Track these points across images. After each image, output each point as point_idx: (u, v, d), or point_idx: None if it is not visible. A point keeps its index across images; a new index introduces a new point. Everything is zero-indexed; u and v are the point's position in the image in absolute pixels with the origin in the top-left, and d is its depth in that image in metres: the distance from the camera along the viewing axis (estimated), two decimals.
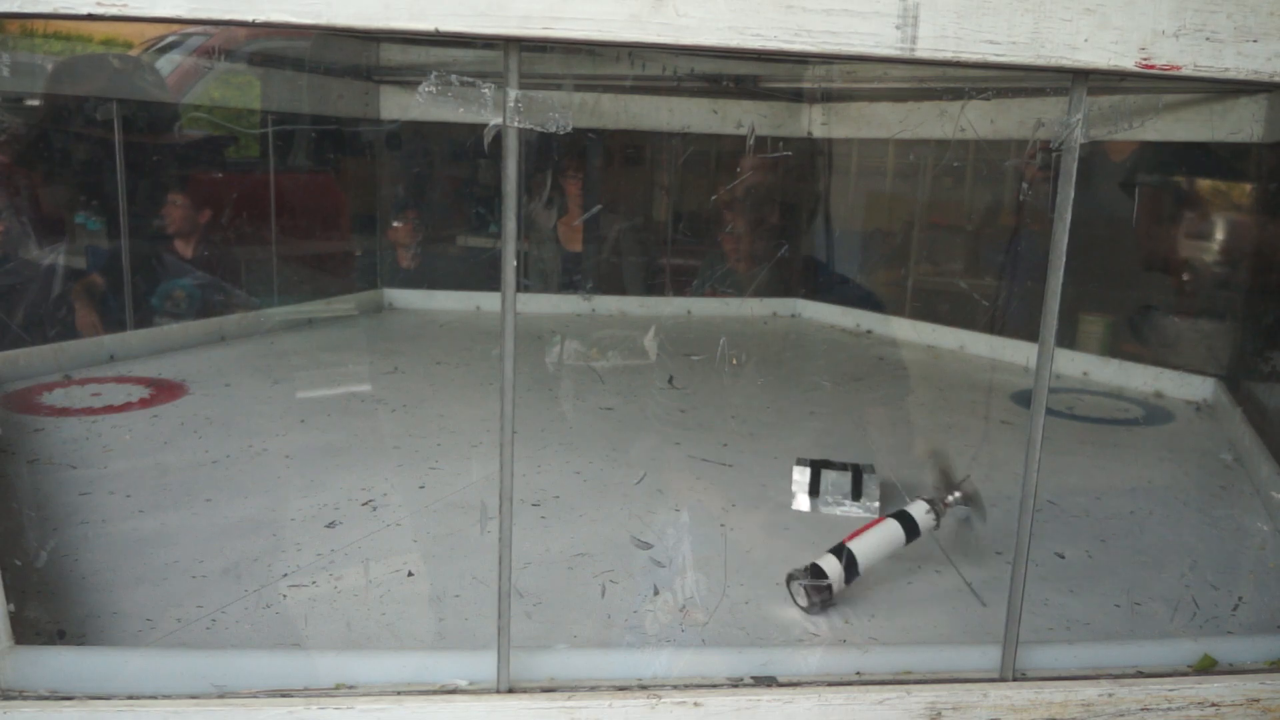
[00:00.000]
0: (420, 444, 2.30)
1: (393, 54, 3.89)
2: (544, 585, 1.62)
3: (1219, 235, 3.22)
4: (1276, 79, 1.16)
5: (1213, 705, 1.31)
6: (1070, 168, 1.21)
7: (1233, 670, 1.37)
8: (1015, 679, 1.31)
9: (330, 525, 1.81)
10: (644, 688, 1.25)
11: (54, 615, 1.45)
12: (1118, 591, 1.69)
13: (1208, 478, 2.35)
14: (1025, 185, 3.61)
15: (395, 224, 4.13)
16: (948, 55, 1.12)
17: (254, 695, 1.20)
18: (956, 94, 3.57)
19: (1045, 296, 1.25)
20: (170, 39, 3.44)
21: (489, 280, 3.82)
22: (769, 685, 1.28)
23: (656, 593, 1.60)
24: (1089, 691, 1.29)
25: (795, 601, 1.58)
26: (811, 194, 4.32)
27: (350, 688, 1.23)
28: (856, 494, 1.99)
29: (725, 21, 1.08)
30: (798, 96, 4.11)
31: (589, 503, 1.99)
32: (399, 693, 1.22)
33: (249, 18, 1.04)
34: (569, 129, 1.16)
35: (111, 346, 2.93)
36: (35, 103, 3.18)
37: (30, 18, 1.02)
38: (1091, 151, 3.19)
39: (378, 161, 4.13)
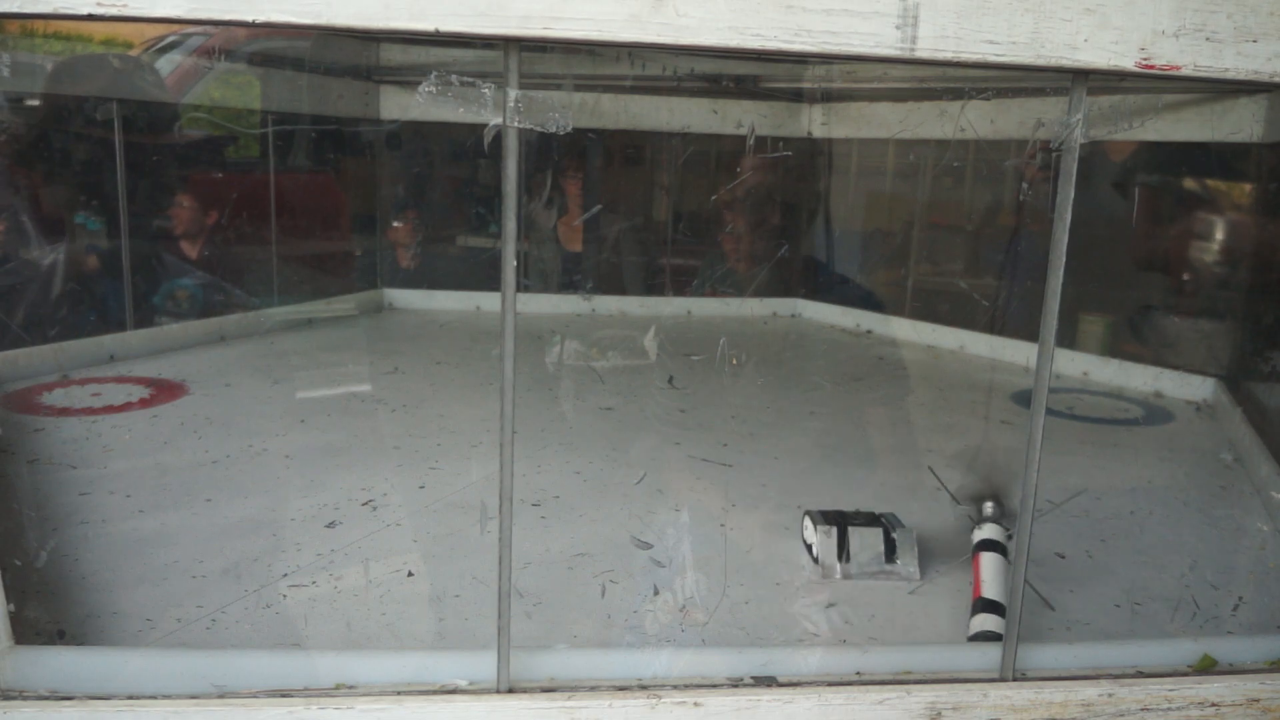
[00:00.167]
0: (420, 444, 2.30)
1: (393, 54, 3.89)
2: (544, 585, 1.62)
3: (1219, 235, 3.22)
4: (1276, 79, 1.16)
5: (1213, 705, 1.31)
6: (1070, 168, 1.21)
7: (1233, 670, 1.37)
8: (1015, 679, 1.31)
9: (330, 525, 1.82)
10: (644, 688, 1.25)
11: (54, 615, 1.45)
12: (1118, 591, 1.69)
13: (1208, 478, 2.35)
14: (1025, 185, 3.61)
15: (395, 224, 4.13)
16: (948, 55, 1.12)
17: (254, 695, 1.20)
18: (956, 94, 3.57)
19: (1045, 296, 1.25)
20: (170, 39, 3.44)
21: (489, 280, 3.82)
22: (769, 685, 1.28)
23: (656, 593, 1.60)
24: (1089, 691, 1.29)
25: None
26: (811, 194, 4.32)
27: (350, 688, 1.23)
28: (891, 553, 1.72)
29: (725, 21, 1.08)
30: (798, 96, 4.11)
31: (589, 503, 1.99)
32: (399, 693, 1.22)
33: (249, 18, 1.04)
34: (569, 129, 1.16)
35: (111, 346, 2.93)
36: (35, 103, 3.18)
37: (30, 18, 1.02)
38: (1091, 151, 3.19)
39: (378, 161, 4.13)
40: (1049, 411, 1.29)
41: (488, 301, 3.90)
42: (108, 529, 1.76)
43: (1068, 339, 3.29)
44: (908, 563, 1.72)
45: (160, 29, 3.26)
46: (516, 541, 1.26)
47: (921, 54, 1.11)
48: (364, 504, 1.92)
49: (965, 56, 1.12)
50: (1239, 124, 2.95)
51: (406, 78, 3.89)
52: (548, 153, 4.07)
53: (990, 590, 1.56)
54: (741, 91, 4.05)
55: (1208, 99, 2.98)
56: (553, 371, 3.01)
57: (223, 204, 3.50)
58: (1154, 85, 2.68)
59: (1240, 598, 1.68)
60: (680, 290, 4.21)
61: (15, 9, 1.02)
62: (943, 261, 3.98)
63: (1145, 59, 1.14)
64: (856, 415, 2.81)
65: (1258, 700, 1.31)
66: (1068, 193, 1.21)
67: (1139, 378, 3.11)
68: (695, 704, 1.23)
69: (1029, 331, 3.28)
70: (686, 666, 1.31)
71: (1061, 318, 1.26)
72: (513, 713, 1.21)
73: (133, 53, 3.36)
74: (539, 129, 1.14)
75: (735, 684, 1.28)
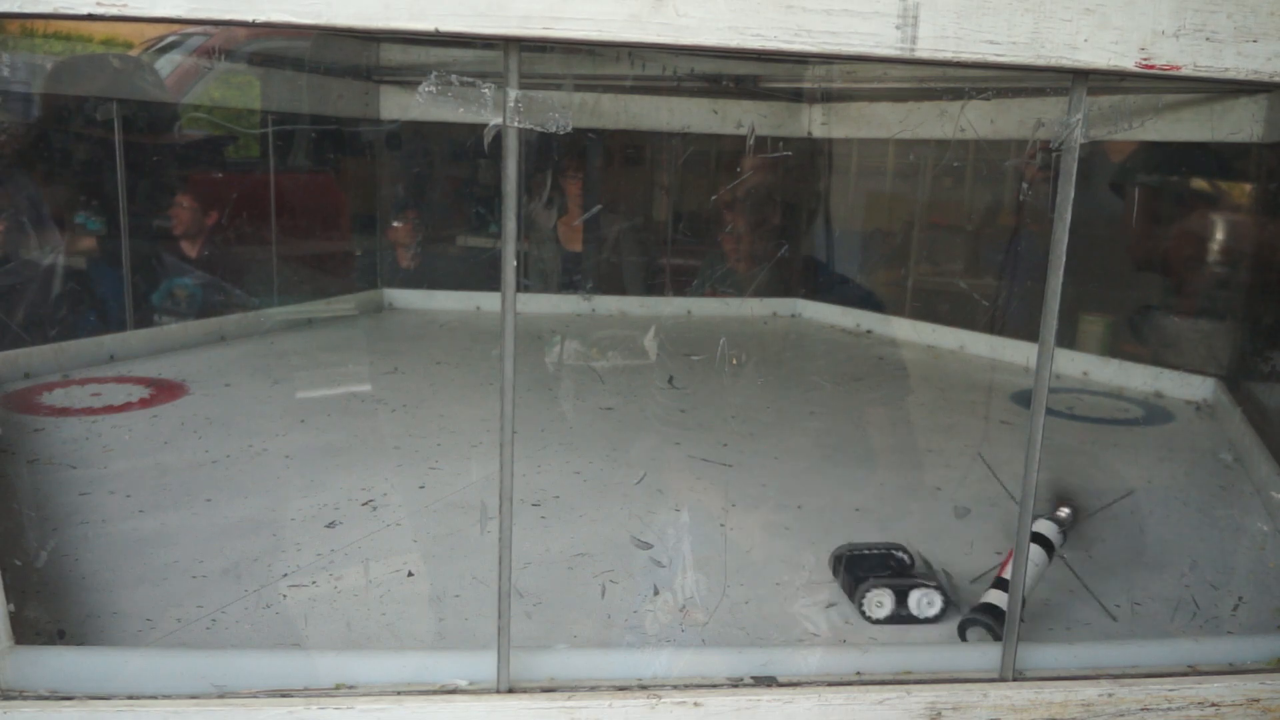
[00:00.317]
0: (420, 444, 2.30)
1: (393, 54, 3.88)
2: (544, 585, 1.62)
3: (1219, 235, 3.22)
4: (1276, 79, 1.16)
5: (1213, 705, 1.31)
6: (1070, 168, 1.21)
7: (1233, 670, 1.37)
8: (1015, 679, 1.31)
9: (330, 525, 1.82)
10: (644, 688, 1.25)
11: (54, 615, 1.45)
12: (1118, 591, 1.69)
13: (1208, 478, 2.35)
14: (1025, 185, 3.61)
15: (395, 224, 4.13)
16: (948, 55, 1.12)
17: (254, 695, 1.20)
18: (956, 94, 3.57)
19: (1045, 296, 1.25)
20: (170, 39, 3.44)
21: (489, 280, 3.82)
22: (769, 685, 1.28)
23: (656, 593, 1.60)
24: (1089, 691, 1.29)
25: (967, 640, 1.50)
26: (811, 194, 4.32)
27: (350, 688, 1.23)
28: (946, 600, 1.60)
29: (725, 21, 1.08)
30: (798, 96, 4.11)
31: (589, 503, 1.99)
32: (399, 693, 1.22)
33: (249, 18, 1.04)
34: (569, 129, 1.16)
35: (111, 346, 2.93)
36: (27, 92, 3.18)
37: (30, 18, 1.02)
38: (1091, 151, 3.19)
39: (378, 161, 4.13)
40: (1049, 411, 1.29)
41: (488, 301, 3.90)
42: (108, 529, 1.76)
43: (1068, 339, 3.29)
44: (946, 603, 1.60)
45: (160, 29, 3.26)
46: (516, 541, 1.26)
47: (921, 54, 1.11)
48: (364, 504, 1.92)
49: (965, 56, 1.12)
50: (1239, 124, 2.95)
51: (406, 78, 3.88)
52: (548, 153, 4.07)
53: (1010, 573, 1.53)
54: (741, 91, 4.05)
55: (1208, 99, 2.98)
56: (553, 371, 3.01)
57: (223, 204, 3.50)
58: (1154, 85, 2.68)
59: (1240, 598, 1.68)
60: (680, 290, 4.20)
61: (15, 9, 1.02)
62: (943, 261, 3.98)
63: (1145, 59, 1.14)
64: (856, 415, 2.81)
65: (1258, 700, 1.31)
66: (1068, 193, 1.21)
67: (1139, 378, 3.11)
68: (695, 704, 1.23)
69: (1029, 331, 3.28)
70: (686, 666, 1.31)
71: (1061, 318, 1.26)
72: (513, 713, 1.21)
73: (133, 53, 3.36)
74: (539, 129, 1.14)
75: (735, 684, 1.28)
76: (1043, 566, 1.65)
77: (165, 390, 2.64)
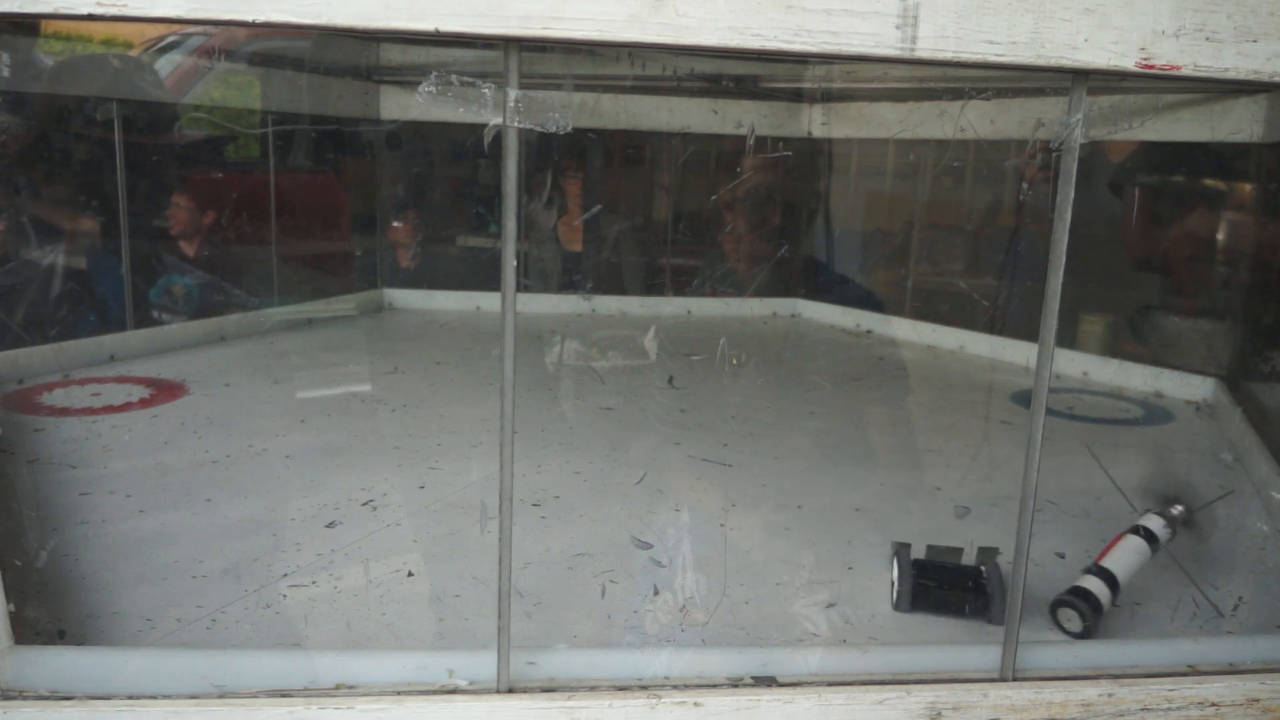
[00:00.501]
0: (420, 444, 2.30)
1: (393, 54, 3.88)
2: (544, 585, 1.62)
3: (1219, 235, 3.22)
4: (1276, 79, 1.16)
5: (1213, 705, 1.30)
6: (1070, 168, 1.21)
7: (1233, 670, 1.36)
8: (1015, 679, 1.31)
9: (330, 525, 1.82)
10: (644, 688, 1.25)
11: (54, 615, 1.45)
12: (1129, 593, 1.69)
13: (1208, 478, 2.34)
14: (1025, 185, 3.61)
15: (395, 224, 4.13)
16: (948, 55, 1.12)
17: (254, 695, 1.20)
18: (956, 94, 3.57)
19: (1045, 296, 1.25)
20: (170, 39, 3.44)
21: (489, 280, 3.82)
22: (769, 685, 1.28)
23: (656, 593, 1.60)
24: (1089, 691, 1.29)
25: (1063, 627, 1.52)
26: (811, 194, 4.31)
27: (350, 688, 1.23)
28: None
29: (725, 21, 1.08)
30: (798, 96, 4.11)
31: (589, 503, 1.99)
32: (399, 693, 1.22)
33: (249, 18, 1.04)
34: (569, 129, 1.16)
35: (111, 346, 2.93)
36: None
37: (30, 18, 1.02)
38: (1091, 151, 3.19)
39: (378, 161, 4.13)
40: (1049, 411, 1.29)
41: (488, 301, 3.90)
42: (108, 529, 1.76)
43: (1068, 339, 3.29)
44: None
45: (160, 29, 3.26)
46: (516, 541, 1.26)
47: (921, 54, 1.11)
48: (364, 504, 1.92)
49: (965, 56, 1.12)
50: (1239, 124, 2.95)
51: (406, 78, 3.88)
52: (548, 153, 4.07)
53: (1113, 564, 1.61)
54: (741, 91, 4.05)
55: (1208, 99, 2.98)
56: (553, 371, 3.01)
57: (223, 204, 3.50)
58: (1154, 85, 2.68)
59: (1240, 598, 1.68)
60: (680, 290, 4.20)
61: (15, 9, 1.02)
62: (943, 261, 3.98)
63: (1145, 59, 1.14)
64: (856, 415, 2.81)
65: (1258, 700, 1.31)
66: (1068, 193, 1.21)
67: (1139, 378, 3.11)
68: (695, 704, 1.23)
69: (1029, 331, 3.28)
70: (686, 666, 1.31)
71: (1061, 318, 1.26)
72: (513, 713, 1.21)
73: (133, 53, 3.36)
74: (539, 129, 1.14)
75: (735, 684, 1.28)
76: (1145, 558, 1.68)
77: (165, 390, 2.64)
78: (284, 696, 1.20)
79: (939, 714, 1.26)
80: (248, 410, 2.54)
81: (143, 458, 2.17)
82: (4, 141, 3.03)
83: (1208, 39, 1.14)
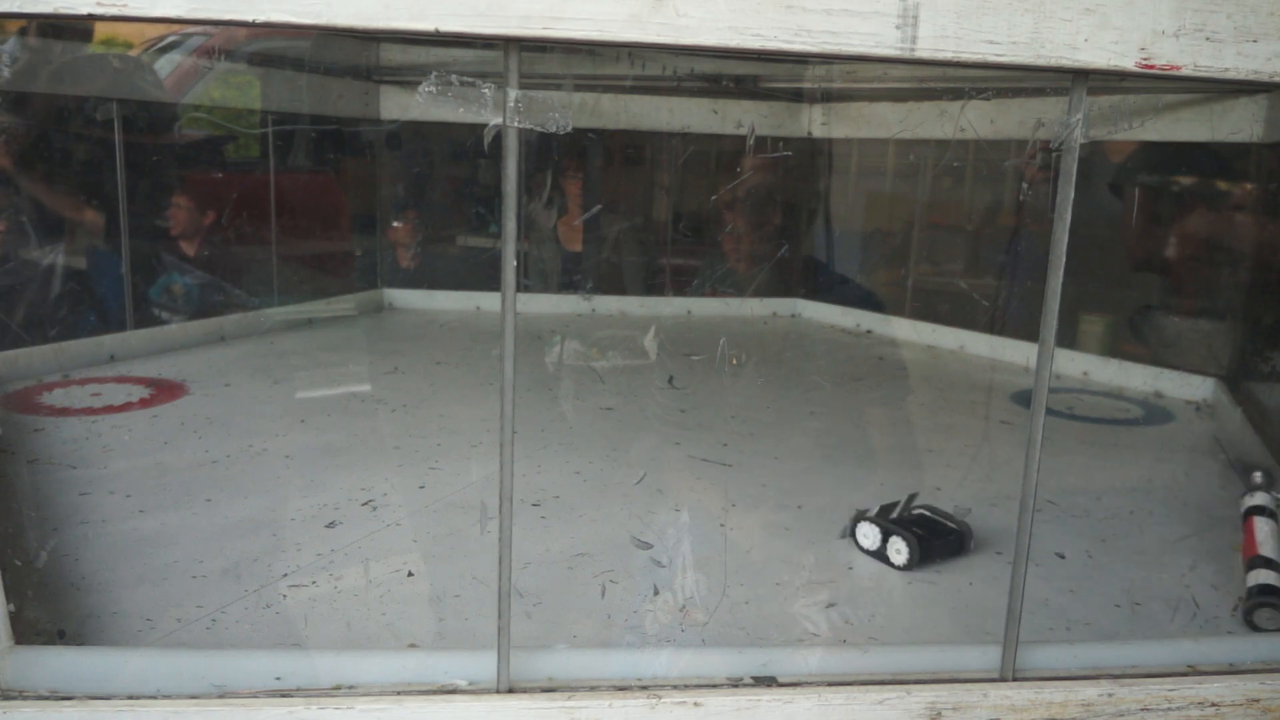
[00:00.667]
0: (420, 444, 2.30)
1: (393, 54, 3.89)
2: (544, 585, 1.62)
3: (1218, 235, 3.22)
4: (1276, 79, 1.16)
5: (1213, 705, 1.31)
6: (1070, 168, 1.21)
7: (1233, 670, 1.37)
8: (1015, 679, 1.31)
9: (330, 525, 1.82)
10: (644, 688, 1.25)
11: (54, 615, 1.45)
12: (1118, 591, 1.69)
13: (1208, 478, 2.35)
14: (1025, 185, 3.61)
15: (395, 224, 4.13)
16: (948, 55, 1.12)
17: (254, 695, 1.20)
18: (956, 94, 3.57)
19: (1045, 296, 1.25)
20: (170, 39, 3.44)
21: (489, 280, 3.82)
22: (769, 685, 1.28)
23: (656, 593, 1.60)
24: (1089, 691, 1.29)
25: (1259, 626, 1.58)
26: (811, 194, 4.32)
27: (350, 688, 1.23)
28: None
29: (725, 21, 1.08)
30: (798, 96, 4.11)
31: (589, 503, 1.99)
32: (399, 693, 1.22)
33: (249, 18, 1.04)
34: (569, 129, 1.16)
35: (111, 346, 2.93)
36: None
37: (30, 18, 1.02)
38: (1091, 151, 3.19)
39: (378, 161, 4.13)
40: (1049, 411, 1.29)
41: (488, 301, 3.90)
42: (108, 529, 1.76)
43: (1068, 339, 3.29)
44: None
45: (160, 29, 3.26)
46: (516, 541, 1.26)
47: (921, 54, 1.11)
48: (364, 504, 1.92)
49: (965, 56, 1.12)
50: (1239, 124, 2.95)
51: (406, 78, 3.89)
52: (548, 153, 4.07)
53: (1266, 549, 1.72)
54: (741, 91, 4.05)
55: (1208, 99, 2.98)
56: (553, 371, 3.01)
57: (222, 204, 3.50)
58: (1154, 85, 2.68)
59: (1240, 598, 1.68)
60: (680, 290, 4.21)
61: (15, 9, 1.02)
62: (943, 261, 3.98)
63: (1145, 59, 1.14)
64: (856, 415, 2.81)
65: (1258, 700, 1.31)
66: (1068, 193, 1.21)
67: (1139, 378, 3.11)
68: (695, 704, 1.23)
69: (1029, 331, 3.29)
70: (686, 666, 1.31)
71: (1061, 318, 1.26)
72: (513, 713, 1.21)
73: (132, 53, 3.36)
74: (539, 129, 1.14)
75: (735, 684, 1.28)
76: (1277, 532, 1.78)
77: (165, 390, 2.64)
78: (284, 696, 1.20)
79: (939, 714, 1.26)
80: (248, 410, 2.54)
81: (143, 458, 2.17)
82: (4, 141, 3.03)
83: (1208, 39, 1.14)
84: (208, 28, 3.30)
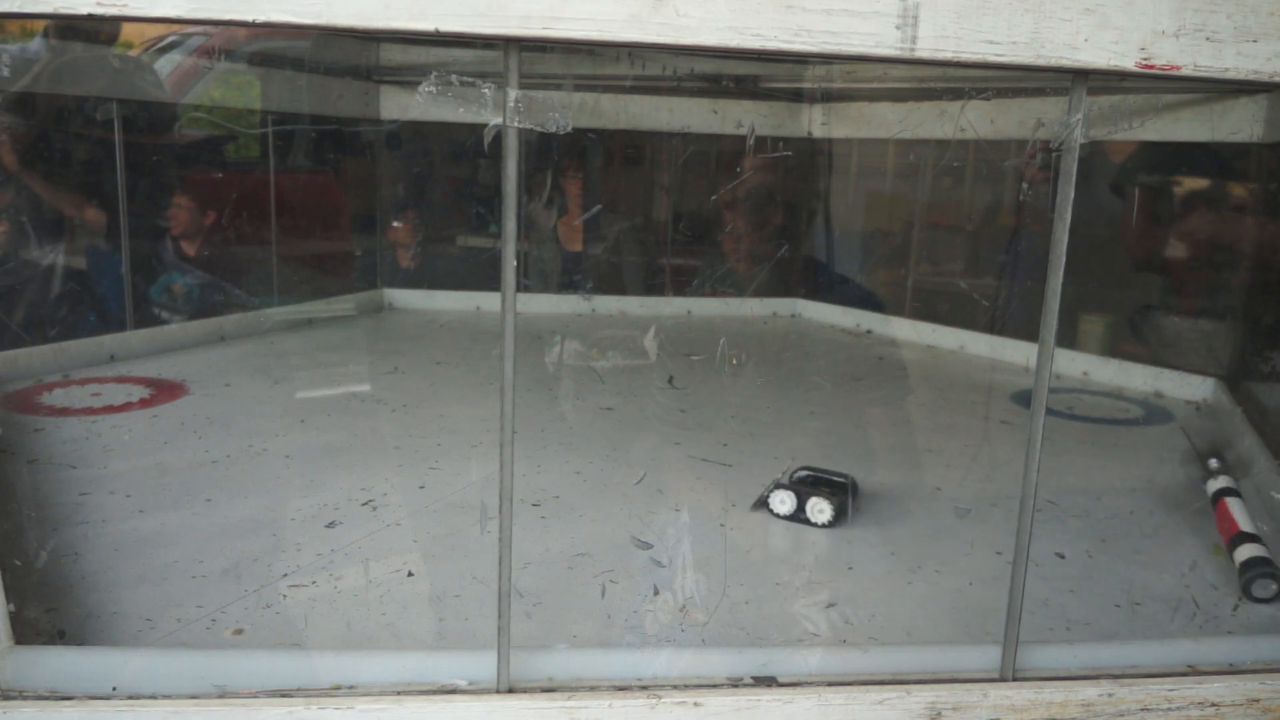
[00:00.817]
0: (420, 444, 2.30)
1: (393, 54, 3.89)
2: (544, 585, 1.62)
3: (1218, 235, 3.22)
4: (1276, 79, 1.16)
5: (1213, 705, 1.31)
6: (1070, 168, 1.21)
7: (1233, 670, 1.37)
8: (1015, 679, 1.31)
9: (330, 525, 1.82)
10: (644, 688, 1.25)
11: (54, 615, 1.45)
12: (1118, 591, 1.69)
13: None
14: (1025, 185, 3.61)
15: (395, 224, 4.13)
16: (948, 55, 1.12)
17: (254, 695, 1.20)
18: (956, 94, 3.57)
19: (1045, 296, 1.25)
20: (170, 39, 3.44)
21: (489, 280, 3.82)
22: (769, 685, 1.28)
23: (656, 593, 1.60)
24: (1089, 691, 1.29)
25: (1261, 598, 1.67)
26: (811, 194, 4.32)
27: (350, 688, 1.23)
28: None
29: (725, 21, 1.08)
30: (798, 96, 4.11)
31: (589, 503, 1.99)
32: (399, 693, 1.22)
33: (249, 18, 1.04)
34: (569, 129, 1.16)
35: (111, 346, 2.93)
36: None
37: (30, 18, 1.02)
38: (1091, 151, 3.19)
39: (378, 161, 4.13)
40: (1049, 411, 1.29)
41: (488, 301, 3.90)
42: (108, 529, 1.76)
43: (1068, 339, 3.29)
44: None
45: (160, 29, 3.26)
46: (516, 541, 1.26)
47: (921, 54, 1.11)
48: (364, 504, 1.92)
49: (965, 56, 1.12)
50: (1239, 124, 2.95)
51: (406, 78, 3.89)
52: (548, 153, 4.07)
53: (1245, 525, 1.82)
54: (741, 91, 4.05)
55: (1208, 99, 2.98)
56: (553, 371, 3.01)
57: (222, 204, 3.50)
58: (1154, 85, 2.68)
59: (1240, 597, 1.68)
60: (680, 290, 4.21)
61: (15, 9, 1.02)
62: (943, 261, 3.98)
63: (1145, 59, 1.14)
64: (856, 415, 2.81)
65: (1258, 700, 1.31)
66: (1068, 193, 1.21)
67: (1139, 378, 3.11)
68: (695, 704, 1.23)
69: (1029, 331, 3.29)
70: (686, 666, 1.31)
71: (1061, 318, 1.26)
72: (513, 713, 1.21)
73: (132, 53, 3.36)
74: (539, 129, 1.14)
75: (735, 684, 1.28)
76: (1246, 510, 1.89)
77: (165, 390, 2.64)
78: (284, 696, 1.20)
79: (939, 714, 1.26)
80: (248, 410, 2.54)
81: (143, 458, 2.17)
82: (4, 141, 3.03)
83: (1208, 39, 1.14)
84: (208, 28, 3.30)
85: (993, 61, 1.13)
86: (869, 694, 1.26)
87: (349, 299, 3.85)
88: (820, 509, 1.87)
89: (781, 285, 4.20)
